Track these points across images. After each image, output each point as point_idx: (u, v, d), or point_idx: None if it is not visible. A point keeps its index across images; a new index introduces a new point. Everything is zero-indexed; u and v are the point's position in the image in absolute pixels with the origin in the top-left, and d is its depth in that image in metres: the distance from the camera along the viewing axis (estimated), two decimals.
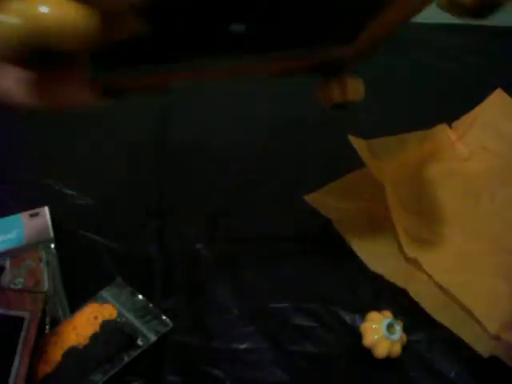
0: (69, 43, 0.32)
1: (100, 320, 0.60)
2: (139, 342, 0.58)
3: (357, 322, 0.62)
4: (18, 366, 0.54)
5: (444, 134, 0.79)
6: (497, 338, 0.60)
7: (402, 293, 0.65)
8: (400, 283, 0.65)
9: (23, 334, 0.56)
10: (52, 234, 0.68)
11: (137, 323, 0.60)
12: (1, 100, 0.37)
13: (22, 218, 0.69)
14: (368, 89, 0.90)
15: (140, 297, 0.62)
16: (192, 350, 0.60)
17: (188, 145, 0.81)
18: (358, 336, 0.60)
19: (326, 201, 0.71)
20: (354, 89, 0.57)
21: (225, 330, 0.62)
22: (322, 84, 0.58)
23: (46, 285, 0.63)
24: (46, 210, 0.70)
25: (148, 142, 0.82)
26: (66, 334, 0.58)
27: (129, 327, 0.59)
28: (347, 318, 0.63)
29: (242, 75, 0.57)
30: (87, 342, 0.58)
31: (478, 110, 0.80)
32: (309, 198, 0.70)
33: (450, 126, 0.79)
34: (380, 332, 0.58)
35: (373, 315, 0.60)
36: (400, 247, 0.66)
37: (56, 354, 0.57)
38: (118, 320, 0.60)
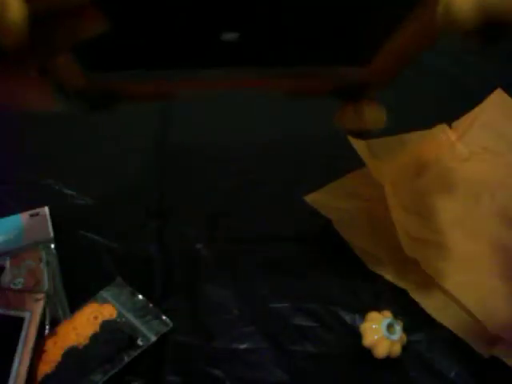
0: None
1: (100, 320, 0.60)
2: (139, 342, 0.58)
3: (357, 322, 0.62)
4: (18, 365, 0.54)
5: (444, 134, 0.79)
6: (497, 338, 0.60)
7: (402, 293, 0.65)
8: (400, 283, 0.65)
9: (23, 333, 0.56)
10: (52, 234, 0.68)
11: (137, 323, 0.60)
12: None
13: (22, 217, 0.69)
14: None
15: (140, 297, 0.62)
16: (192, 350, 0.60)
17: (188, 145, 0.81)
18: (358, 336, 0.60)
19: (325, 201, 0.71)
20: (373, 117, 0.54)
21: (225, 330, 0.62)
22: (340, 109, 0.56)
23: (46, 285, 0.63)
24: (46, 210, 0.70)
25: (148, 141, 0.82)
26: (66, 334, 0.58)
27: (129, 327, 0.59)
28: (347, 318, 0.63)
29: (250, 89, 0.55)
30: (87, 341, 0.58)
31: (477, 110, 0.80)
32: (309, 198, 0.70)
33: (449, 126, 0.79)
34: (380, 332, 0.58)
35: (373, 315, 0.60)
36: (400, 247, 0.66)
37: (56, 353, 0.57)
38: (118, 320, 0.60)
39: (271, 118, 0.85)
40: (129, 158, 0.79)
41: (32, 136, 0.83)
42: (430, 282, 0.65)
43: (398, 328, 0.59)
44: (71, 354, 0.57)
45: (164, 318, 0.60)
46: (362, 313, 0.61)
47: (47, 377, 0.55)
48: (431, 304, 0.63)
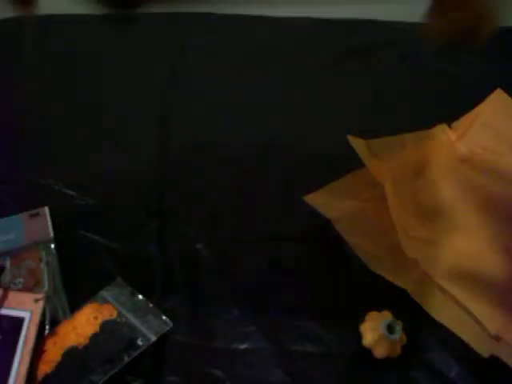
0: None
1: (100, 320, 0.60)
2: (139, 342, 0.58)
3: (357, 322, 0.62)
4: (18, 365, 0.54)
5: (444, 134, 0.79)
6: (497, 338, 0.60)
7: (402, 293, 0.65)
8: (400, 283, 0.65)
9: (23, 333, 0.56)
10: (52, 234, 0.68)
11: (137, 323, 0.60)
12: None
13: (22, 218, 0.69)
14: (368, 89, 0.91)
15: (140, 297, 0.62)
16: (192, 349, 0.60)
17: (188, 145, 0.81)
18: (358, 336, 0.60)
19: (325, 201, 0.71)
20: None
21: (225, 330, 0.62)
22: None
23: (46, 285, 0.63)
24: (46, 210, 0.70)
25: (148, 142, 0.81)
26: (66, 334, 0.58)
27: (129, 327, 0.59)
28: (347, 318, 0.63)
29: None
30: (87, 342, 0.58)
31: (477, 110, 0.80)
32: (309, 198, 0.70)
33: (449, 126, 0.79)
34: (380, 332, 0.58)
35: (373, 315, 0.60)
36: (400, 247, 0.66)
37: (56, 353, 0.57)
38: (118, 320, 0.60)
39: (271, 118, 0.85)
40: (129, 158, 0.79)
41: (32, 136, 0.83)
42: (429, 282, 0.65)
43: (398, 328, 0.59)
44: (71, 353, 0.57)
45: (164, 317, 0.60)
46: (362, 313, 0.61)
47: (47, 377, 0.55)
48: (431, 304, 0.63)
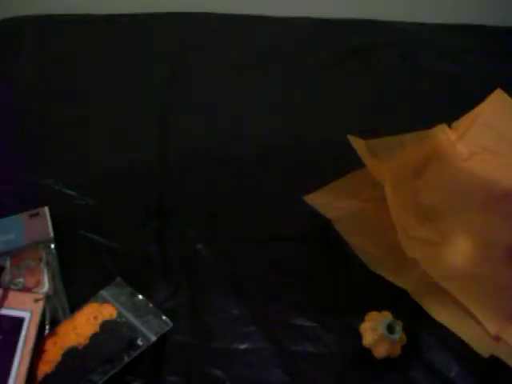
0: None
1: (100, 320, 0.60)
2: (139, 342, 0.58)
3: (357, 322, 0.62)
4: (18, 365, 0.54)
5: (444, 134, 0.79)
6: (497, 338, 0.60)
7: (402, 293, 0.65)
8: (400, 283, 0.65)
9: (23, 333, 0.56)
10: (52, 234, 0.68)
11: (137, 323, 0.60)
12: None
13: (22, 218, 0.69)
14: (368, 89, 0.91)
15: (140, 297, 0.62)
16: (192, 349, 0.60)
17: (188, 145, 0.81)
18: (358, 336, 0.60)
19: (325, 201, 0.71)
20: None
21: (225, 330, 0.62)
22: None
23: (46, 285, 0.63)
24: (46, 210, 0.70)
25: (148, 142, 0.81)
26: (66, 334, 0.58)
27: (129, 327, 0.59)
28: (347, 317, 0.63)
29: None
30: (87, 342, 0.58)
31: (477, 110, 0.80)
32: (308, 198, 0.70)
33: (449, 126, 0.79)
34: (380, 332, 0.58)
35: (373, 315, 0.60)
36: (400, 247, 0.66)
37: (56, 353, 0.57)
38: (118, 320, 0.60)
39: (271, 117, 0.85)
40: (129, 158, 0.79)
41: (32, 136, 0.83)
42: (429, 282, 0.65)
43: (398, 328, 0.59)
44: (71, 353, 0.57)
45: (164, 317, 0.60)
46: (362, 313, 0.61)
47: (47, 377, 0.55)
48: (431, 304, 0.63)
